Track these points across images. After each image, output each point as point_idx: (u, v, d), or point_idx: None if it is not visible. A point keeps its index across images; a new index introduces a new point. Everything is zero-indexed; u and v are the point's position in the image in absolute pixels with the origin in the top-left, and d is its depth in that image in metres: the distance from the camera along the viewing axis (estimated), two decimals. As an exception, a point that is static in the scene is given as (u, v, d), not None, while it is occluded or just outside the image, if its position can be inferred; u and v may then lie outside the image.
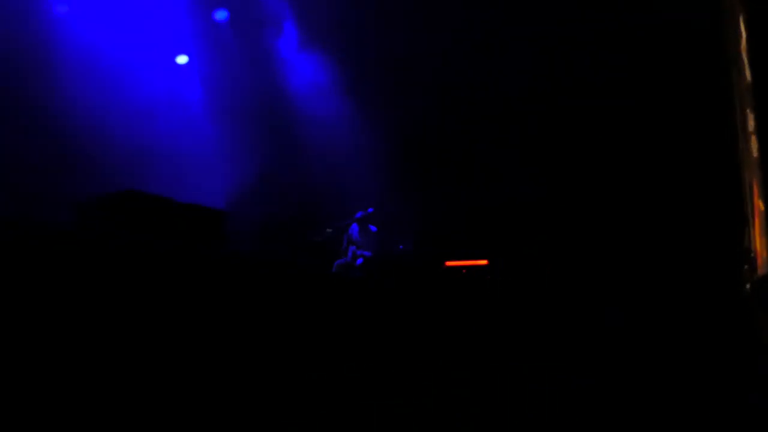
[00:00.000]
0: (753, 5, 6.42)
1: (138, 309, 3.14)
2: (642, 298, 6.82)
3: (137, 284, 3.19)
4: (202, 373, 3.32)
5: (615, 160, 8.36)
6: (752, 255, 5.87)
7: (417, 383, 4.32)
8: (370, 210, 9.21)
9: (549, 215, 8.82)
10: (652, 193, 7.97)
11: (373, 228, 8.48)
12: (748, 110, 6.00)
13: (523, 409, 4.82)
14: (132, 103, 9.72)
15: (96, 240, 3.38)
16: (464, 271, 8.15)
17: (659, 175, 7.98)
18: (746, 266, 5.99)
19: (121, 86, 9.68)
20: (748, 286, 5.94)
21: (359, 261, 8.24)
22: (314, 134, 10.36)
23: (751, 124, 5.96)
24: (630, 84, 8.13)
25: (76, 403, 2.80)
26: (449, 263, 8.22)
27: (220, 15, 10.30)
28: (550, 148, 8.85)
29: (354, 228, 8.70)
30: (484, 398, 4.67)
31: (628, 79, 8.15)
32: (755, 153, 5.93)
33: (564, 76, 8.78)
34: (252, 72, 10.58)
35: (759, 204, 5.95)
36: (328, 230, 9.02)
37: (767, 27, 6.23)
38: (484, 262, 8.27)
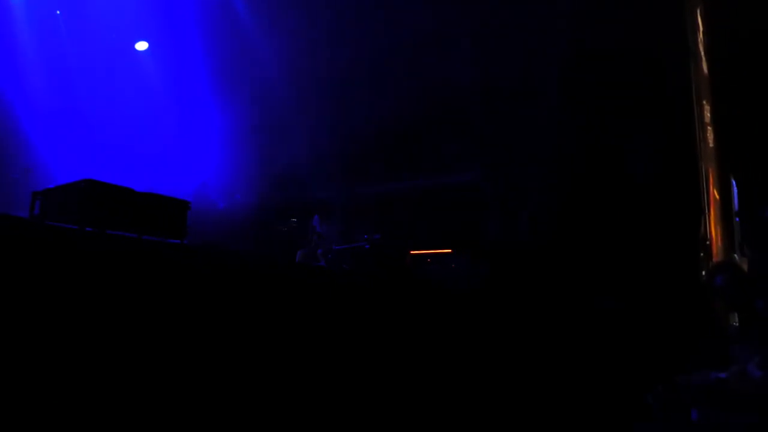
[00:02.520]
0: (710, -1, 6.58)
1: (95, 303, 3.08)
2: (598, 287, 6.94)
3: (94, 278, 3.13)
4: (166, 367, 3.28)
5: (575, 150, 8.45)
6: (708, 243, 6.04)
7: (392, 375, 4.34)
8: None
9: (505, 203, 8.93)
10: (606, 181, 8.07)
11: (333, 222, 8.49)
12: (704, 102, 6.16)
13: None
14: (92, 91, 9.52)
15: (52, 232, 3.31)
16: (429, 260, 8.20)
17: (614, 164, 8.09)
18: (702, 253, 6.16)
19: (81, 74, 9.47)
20: (704, 272, 6.11)
21: (320, 251, 8.22)
22: (275, 123, 10.31)
23: (707, 115, 6.12)
24: (585, 75, 8.16)
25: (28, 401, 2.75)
26: (414, 252, 8.25)
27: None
28: (506, 137, 8.93)
29: (316, 219, 8.70)
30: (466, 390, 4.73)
31: (583, 70, 8.17)
32: (711, 143, 6.09)
33: (514, 66, 8.84)
34: (214, 59, 10.46)
35: (714, 193, 6.11)
36: (293, 220, 8.99)
37: (723, 20, 6.38)
38: (447, 250, 8.33)
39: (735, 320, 4.68)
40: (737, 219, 5.61)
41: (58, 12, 9.35)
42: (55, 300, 2.93)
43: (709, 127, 6.12)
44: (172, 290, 3.43)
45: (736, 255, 5.75)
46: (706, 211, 6.10)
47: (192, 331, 3.43)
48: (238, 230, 8.97)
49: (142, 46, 10.38)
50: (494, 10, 8.59)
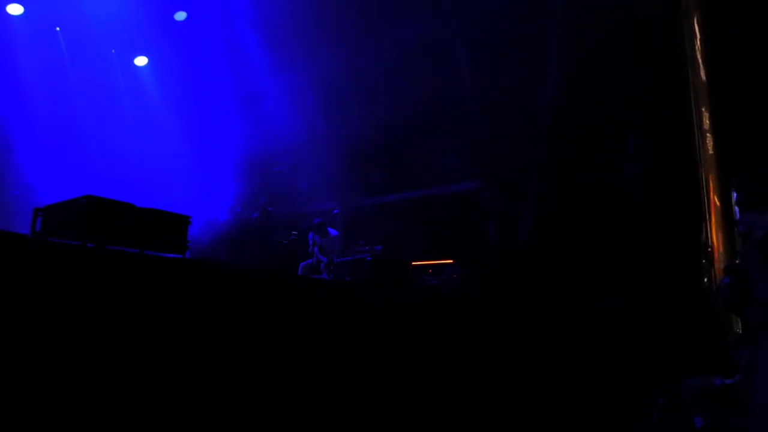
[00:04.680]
0: (707, 7, 6.59)
1: (98, 319, 3.08)
2: (602, 292, 6.92)
3: (97, 294, 3.13)
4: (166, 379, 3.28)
5: (575, 156, 8.44)
6: (709, 249, 6.03)
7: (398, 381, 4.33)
8: (336, 211, 9.24)
9: (504, 216, 8.94)
10: (607, 188, 8.05)
11: (333, 232, 8.45)
12: (703, 109, 6.16)
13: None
14: (91, 106, 9.56)
15: (54, 249, 3.31)
16: (430, 270, 8.19)
17: (614, 171, 8.09)
18: (704, 260, 6.15)
19: (81, 90, 9.51)
20: (705, 279, 6.09)
21: (322, 264, 8.20)
22: (275, 135, 10.34)
23: (706, 122, 6.12)
24: (584, 82, 8.14)
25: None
26: (416, 263, 8.23)
27: (180, 16, 10.15)
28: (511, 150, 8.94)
29: (310, 234, 8.67)
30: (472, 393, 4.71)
31: (581, 76, 8.15)
32: (710, 150, 6.09)
33: (514, 74, 8.85)
34: (212, 73, 10.50)
35: (715, 200, 6.11)
36: (294, 233, 8.98)
37: (721, 28, 6.40)
38: (449, 261, 8.32)
39: (738, 325, 4.67)
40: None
41: (57, 29, 9.40)
42: (59, 316, 2.92)
43: (708, 135, 6.13)
44: (174, 304, 3.43)
45: (738, 261, 5.74)
46: (707, 217, 6.10)
47: (194, 345, 3.43)
48: (240, 244, 8.96)
49: (141, 61, 10.42)
50: (493, 22, 8.62)
